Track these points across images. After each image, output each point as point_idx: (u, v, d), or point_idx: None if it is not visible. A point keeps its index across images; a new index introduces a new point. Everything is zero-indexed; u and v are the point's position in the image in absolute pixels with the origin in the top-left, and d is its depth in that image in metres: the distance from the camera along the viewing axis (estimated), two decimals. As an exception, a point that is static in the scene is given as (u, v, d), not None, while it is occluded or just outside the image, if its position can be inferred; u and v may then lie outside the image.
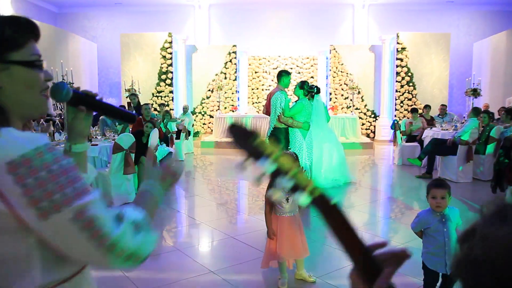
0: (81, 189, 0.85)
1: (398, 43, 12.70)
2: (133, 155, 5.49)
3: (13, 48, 0.93)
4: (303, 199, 0.68)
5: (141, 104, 8.20)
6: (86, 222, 0.83)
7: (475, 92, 9.61)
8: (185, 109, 10.59)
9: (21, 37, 0.94)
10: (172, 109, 12.37)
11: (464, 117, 9.59)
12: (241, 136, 0.72)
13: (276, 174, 0.67)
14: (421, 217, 2.66)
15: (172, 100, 12.79)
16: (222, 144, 11.39)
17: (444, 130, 8.19)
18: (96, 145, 5.62)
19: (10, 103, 0.92)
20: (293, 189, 0.68)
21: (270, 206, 3.15)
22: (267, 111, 5.92)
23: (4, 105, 0.92)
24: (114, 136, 6.33)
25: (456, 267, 0.53)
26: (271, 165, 0.68)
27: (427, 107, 10.00)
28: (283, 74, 5.97)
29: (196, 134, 12.85)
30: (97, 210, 0.85)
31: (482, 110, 8.25)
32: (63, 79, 6.65)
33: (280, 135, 5.60)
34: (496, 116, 9.09)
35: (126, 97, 10.09)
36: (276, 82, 6.09)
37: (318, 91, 6.56)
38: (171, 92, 12.80)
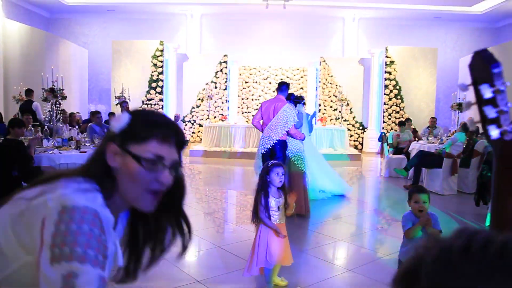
0: (90, 257, 0.85)
1: (386, 56, 12.90)
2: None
3: (133, 140, 1.02)
4: (495, 133, 0.71)
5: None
6: (67, 287, 0.82)
7: (461, 107, 9.79)
8: (176, 118, 10.63)
9: (145, 133, 1.02)
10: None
11: (450, 130, 9.76)
12: None
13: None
14: (406, 217, 2.81)
15: (162, 108, 12.81)
16: (211, 153, 11.42)
17: (431, 143, 8.34)
18: (85, 152, 5.62)
19: (119, 183, 1.02)
20: (487, 120, 0.72)
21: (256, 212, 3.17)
22: (263, 121, 5.74)
23: (116, 180, 1.02)
24: (103, 144, 6.31)
25: None
26: None
27: (409, 120, 10.15)
28: (287, 86, 5.93)
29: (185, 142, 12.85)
30: (85, 285, 0.83)
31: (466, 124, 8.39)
32: (53, 85, 6.62)
33: (283, 146, 5.57)
34: (481, 130, 9.25)
35: (116, 104, 10.08)
36: (277, 92, 5.91)
37: (299, 100, 6.50)
38: (161, 100, 12.83)
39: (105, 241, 0.91)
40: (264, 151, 5.55)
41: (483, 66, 0.71)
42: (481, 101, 0.73)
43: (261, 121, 5.87)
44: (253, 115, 14.04)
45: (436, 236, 0.48)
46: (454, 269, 0.43)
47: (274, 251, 3.14)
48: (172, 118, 8.29)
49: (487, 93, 0.72)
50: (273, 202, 3.14)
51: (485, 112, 0.73)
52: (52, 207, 0.89)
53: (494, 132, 0.72)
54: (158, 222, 1.15)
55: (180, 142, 1.07)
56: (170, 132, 1.05)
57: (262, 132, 5.77)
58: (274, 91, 14.19)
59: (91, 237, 0.87)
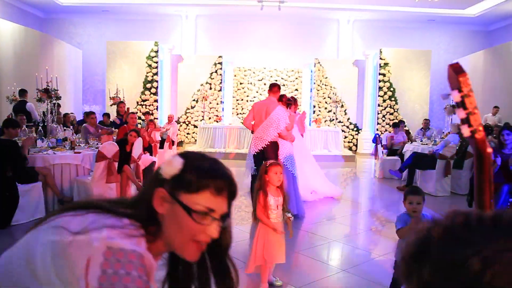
0: None
1: (381, 58, 12.96)
2: (116, 164, 5.49)
3: (185, 189, 0.98)
4: (466, 132, 0.83)
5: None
6: None
7: (455, 108, 9.86)
8: (170, 119, 10.60)
9: (199, 184, 0.98)
10: (157, 118, 12.36)
11: (443, 132, 9.82)
12: None
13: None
14: (400, 217, 2.86)
15: (157, 109, 12.79)
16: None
17: (424, 144, 8.39)
18: (79, 153, 5.60)
19: (164, 229, 1.00)
20: (462, 121, 0.84)
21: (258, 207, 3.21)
22: (255, 122, 5.77)
23: (161, 226, 1.00)
24: (97, 144, 6.31)
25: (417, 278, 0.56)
26: None
27: (402, 122, 10.20)
28: (278, 87, 5.95)
29: (180, 143, 12.84)
30: None
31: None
32: (47, 85, 6.59)
33: (274, 147, 5.60)
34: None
35: (111, 105, 10.05)
36: (268, 93, 5.92)
37: (290, 101, 6.51)
38: (156, 101, 12.81)
39: (151, 287, 0.90)
40: (256, 152, 5.56)
41: (453, 76, 0.83)
42: (457, 105, 0.85)
43: (252, 122, 5.88)
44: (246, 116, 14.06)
45: (433, 219, 0.60)
46: (460, 240, 0.54)
47: (271, 249, 3.17)
48: (166, 119, 8.27)
49: (457, 98, 0.83)
50: (272, 200, 3.18)
51: (457, 114, 0.85)
52: (97, 248, 0.87)
53: (465, 131, 0.83)
54: (200, 265, 1.13)
55: (232, 194, 1.04)
56: (225, 184, 1.01)
57: (253, 133, 5.78)
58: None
59: (141, 284, 0.85)
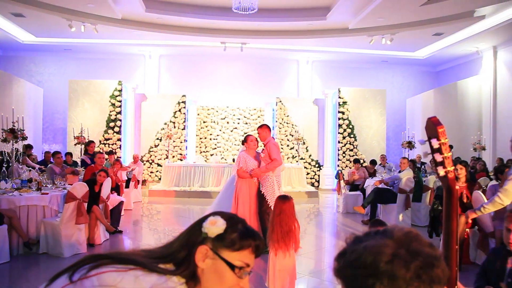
0: None
1: (339, 97, 13.53)
2: (86, 204, 5.43)
3: (228, 247, 1.13)
4: (441, 171, 1.02)
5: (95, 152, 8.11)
6: None
7: (410, 144, 10.46)
8: (135, 159, 10.54)
9: (242, 244, 1.13)
10: (120, 157, 12.24)
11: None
12: None
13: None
14: None
15: (120, 148, 12.68)
16: (171, 193, 11.35)
17: (384, 179, 8.78)
18: (47, 194, 5.50)
19: (203, 282, 1.12)
20: (436, 163, 1.02)
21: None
22: (258, 166, 6.16)
23: (199, 279, 1.12)
24: (63, 185, 6.21)
25: (338, 272, 0.89)
26: None
27: (373, 162, 10.66)
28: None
29: (144, 182, 12.71)
30: None
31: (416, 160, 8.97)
32: (13, 125, 6.48)
33: None
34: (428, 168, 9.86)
35: (75, 145, 9.91)
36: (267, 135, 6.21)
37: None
38: (119, 140, 12.71)
39: None
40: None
41: (432, 127, 1.02)
42: (432, 150, 1.03)
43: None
44: (211, 154, 14.21)
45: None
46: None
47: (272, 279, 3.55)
48: (131, 158, 8.28)
49: (435, 145, 1.02)
50: None
51: (434, 157, 1.02)
52: None
53: (441, 172, 1.02)
54: None
55: (261, 252, 1.19)
56: (261, 245, 1.17)
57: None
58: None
59: None
